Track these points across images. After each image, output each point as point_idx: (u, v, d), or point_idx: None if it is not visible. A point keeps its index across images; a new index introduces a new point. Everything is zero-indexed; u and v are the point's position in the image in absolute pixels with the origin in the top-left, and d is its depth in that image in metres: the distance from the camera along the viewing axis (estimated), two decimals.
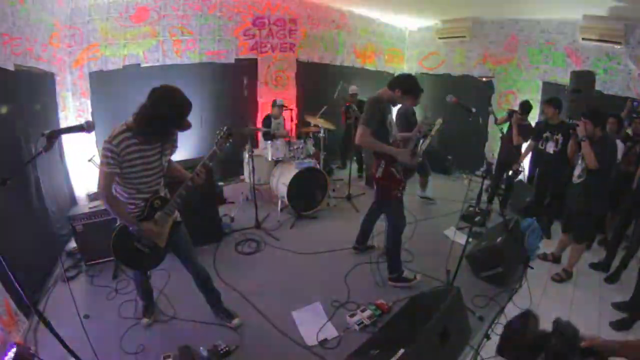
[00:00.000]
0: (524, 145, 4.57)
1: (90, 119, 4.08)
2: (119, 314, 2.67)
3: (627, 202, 3.50)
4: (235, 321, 2.57)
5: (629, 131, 3.95)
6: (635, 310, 2.81)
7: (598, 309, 3.04)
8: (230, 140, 2.27)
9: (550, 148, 4.05)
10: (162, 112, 1.80)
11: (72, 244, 3.32)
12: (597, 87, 4.63)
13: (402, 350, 1.82)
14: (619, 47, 4.60)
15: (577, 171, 3.26)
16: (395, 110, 3.26)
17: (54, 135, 1.59)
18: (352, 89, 5.81)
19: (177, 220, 2.29)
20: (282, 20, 5.75)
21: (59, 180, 3.63)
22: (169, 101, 1.81)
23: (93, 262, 3.20)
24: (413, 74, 7.60)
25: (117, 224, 2.07)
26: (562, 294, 3.25)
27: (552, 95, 4.37)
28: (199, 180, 2.11)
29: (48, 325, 1.57)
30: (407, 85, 2.86)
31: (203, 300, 2.62)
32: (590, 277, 3.51)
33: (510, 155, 4.61)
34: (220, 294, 2.65)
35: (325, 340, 2.49)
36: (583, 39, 4.84)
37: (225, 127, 2.24)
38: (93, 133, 3.24)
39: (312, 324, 2.63)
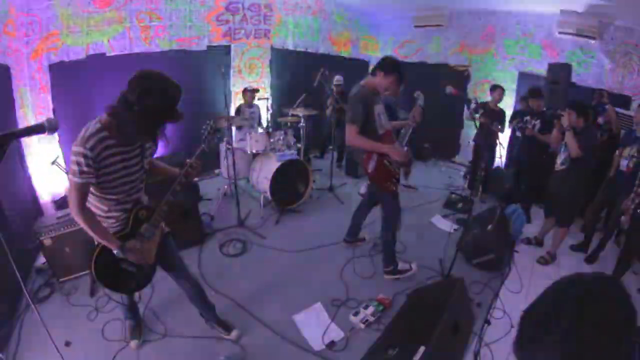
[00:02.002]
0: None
1: (51, 116, 3.65)
2: (104, 337, 2.40)
3: (602, 188, 3.72)
4: (234, 333, 2.41)
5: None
6: None
7: None
8: (218, 136, 2.10)
9: (527, 131, 4.25)
10: (151, 105, 1.49)
11: (42, 259, 2.97)
12: (572, 79, 4.78)
13: (422, 348, 1.82)
14: (593, 42, 4.80)
15: (560, 159, 3.40)
16: None
17: (5, 141, 1.25)
18: (337, 79, 5.69)
19: (164, 231, 2.05)
20: (257, 5, 5.46)
21: (20, 188, 3.23)
22: (158, 91, 1.50)
23: (66, 278, 2.88)
24: None
25: (96, 243, 1.76)
26: (548, 275, 3.41)
27: (532, 86, 4.55)
28: (191, 179, 1.95)
29: None
30: (387, 64, 2.72)
31: (194, 313, 2.44)
32: (571, 258, 3.72)
33: (491, 145, 4.74)
34: (214, 305, 2.47)
35: (333, 342, 2.42)
36: (559, 32, 5.00)
37: (210, 121, 2.08)
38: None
39: (316, 327, 2.55)
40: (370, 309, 2.68)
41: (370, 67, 7.65)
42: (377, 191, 3.05)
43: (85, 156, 1.47)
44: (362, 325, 2.55)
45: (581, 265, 3.59)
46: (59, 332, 2.28)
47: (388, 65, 2.73)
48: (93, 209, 1.71)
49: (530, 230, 4.09)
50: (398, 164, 2.80)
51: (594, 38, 4.67)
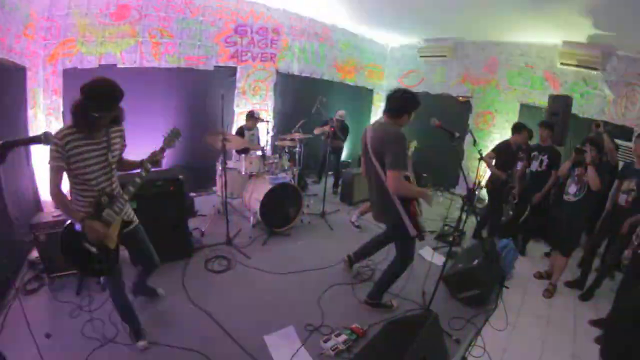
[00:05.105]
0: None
1: (60, 118, 3.85)
2: (83, 334, 2.46)
3: (601, 221, 3.68)
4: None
5: None
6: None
7: (573, 325, 3.13)
8: (179, 139, 2.36)
9: (534, 167, 4.16)
10: (84, 100, 1.85)
11: (35, 253, 3.08)
12: (574, 110, 4.77)
13: None
14: (595, 72, 4.78)
15: (573, 190, 3.43)
16: None
17: (7, 147, 1.45)
18: (340, 114, 5.81)
19: (132, 220, 2.28)
20: (264, 29, 5.65)
21: (23, 184, 3.36)
22: (87, 88, 1.86)
23: (56, 274, 2.98)
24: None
25: (67, 223, 2.05)
26: (537, 313, 3.30)
27: (545, 119, 4.47)
28: (156, 164, 2.23)
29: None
30: (411, 104, 2.59)
31: (186, 326, 2.54)
32: (565, 295, 3.61)
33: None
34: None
35: None
36: (561, 63, 5.00)
37: (175, 128, 2.36)
38: None
39: (285, 349, 2.52)
40: (343, 337, 2.63)
41: (375, 96, 7.90)
42: (400, 234, 2.81)
43: (56, 144, 1.84)
44: (332, 353, 2.50)
45: (575, 303, 3.48)
46: (42, 324, 2.39)
47: (414, 104, 2.62)
48: (71, 191, 2.03)
49: (524, 263, 4.02)
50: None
51: (596, 69, 4.64)
